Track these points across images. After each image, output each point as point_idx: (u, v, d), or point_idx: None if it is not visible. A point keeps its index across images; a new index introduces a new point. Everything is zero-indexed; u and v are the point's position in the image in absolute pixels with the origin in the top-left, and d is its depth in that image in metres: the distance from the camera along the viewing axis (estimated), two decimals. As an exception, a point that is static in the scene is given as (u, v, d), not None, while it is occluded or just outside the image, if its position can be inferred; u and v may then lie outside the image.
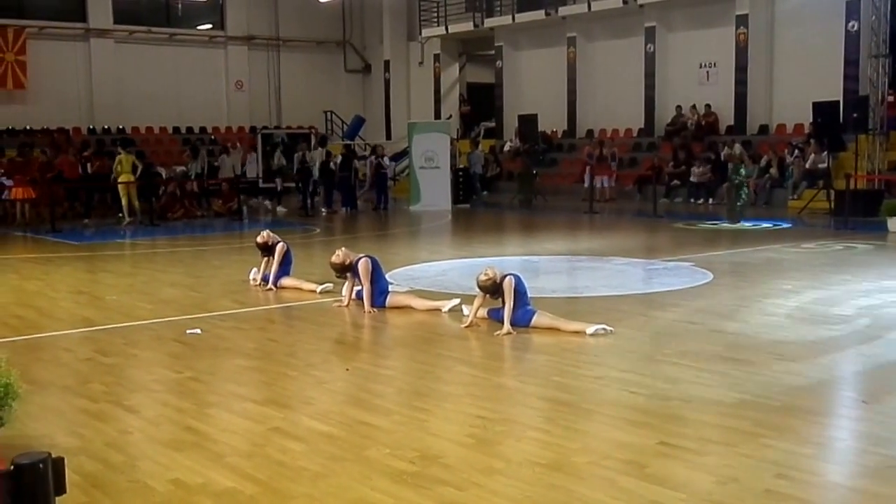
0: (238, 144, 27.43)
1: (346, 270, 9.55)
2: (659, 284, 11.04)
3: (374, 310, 9.23)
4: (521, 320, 8.14)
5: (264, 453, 5.09)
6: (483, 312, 8.52)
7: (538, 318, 8.18)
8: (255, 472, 4.78)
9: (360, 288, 9.50)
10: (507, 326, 8.02)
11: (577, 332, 7.98)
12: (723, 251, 13.80)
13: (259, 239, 11.27)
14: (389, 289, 9.70)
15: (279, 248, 11.00)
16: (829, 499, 4.47)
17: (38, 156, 22.72)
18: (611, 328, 8.04)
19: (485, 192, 27.08)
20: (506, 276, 8.23)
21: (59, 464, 2.09)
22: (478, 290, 8.35)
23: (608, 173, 24.74)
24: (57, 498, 2.09)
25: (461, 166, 25.97)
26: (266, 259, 11.17)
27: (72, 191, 22.29)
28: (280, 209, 23.73)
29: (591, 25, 28.80)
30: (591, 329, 7.95)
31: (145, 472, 4.82)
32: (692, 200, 23.28)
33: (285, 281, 10.91)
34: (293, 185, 24.65)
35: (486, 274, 8.26)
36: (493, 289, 8.22)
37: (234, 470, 4.83)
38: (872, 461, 4.87)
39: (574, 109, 29.27)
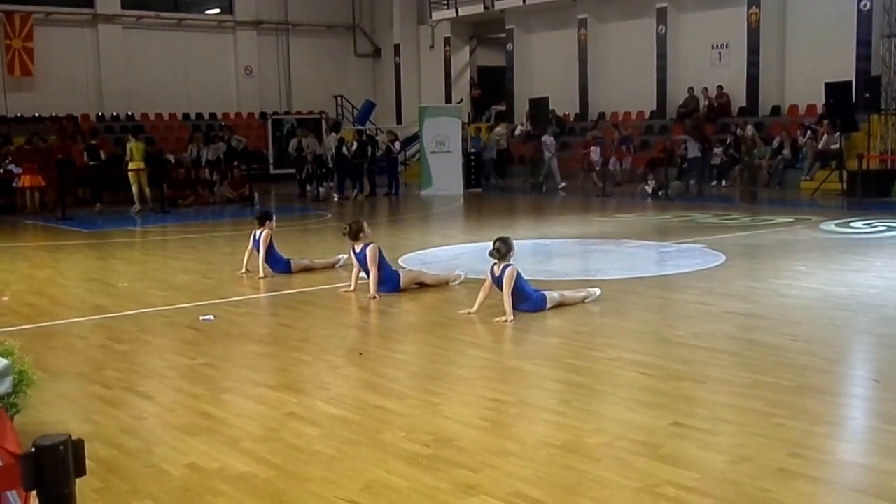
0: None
1: (356, 236, 9.52)
2: (672, 267, 11.03)
3: (379, 295, 9.25)
4: (538, 306, 8.21)
5: (279, 438, 5.11)
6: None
7: (550, 296, 8.35)
8: (271, 457, 4.80)
9: (364, 274, 9.54)
10: (509, 313, 8.00)
11: (583, 300, 8.57)
12: (735, 233, 13.76)
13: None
14: (399, 272, 9.78)
15: (264, 235, 10.73)
16: (841, 476, 4.47)
17: (53, 142, 22.78)
18: (597, 290, 8.75)
19: (500, 179, 26.95)
20: (511, 265, 8.19)
21: (78, 446, 2.10)
22: (489, 255, 8.31)
23: (624, 156, 24.71)
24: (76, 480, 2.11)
25: (472, 150, 25.86)
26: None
27: (79, 178, 22.29)
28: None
29: (602, 7, 28.69)
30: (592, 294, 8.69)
31: (161, 457, 4.85)
32: (714, 183, 23.08)
33: (297, 264, 10.98)
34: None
35: (502, 240, 8.25)
36: (504, 252, 8.17)
37: (250, 454, 4.85)
38: (884, 439, 4.88)
39: (586, 92, 29.17)
